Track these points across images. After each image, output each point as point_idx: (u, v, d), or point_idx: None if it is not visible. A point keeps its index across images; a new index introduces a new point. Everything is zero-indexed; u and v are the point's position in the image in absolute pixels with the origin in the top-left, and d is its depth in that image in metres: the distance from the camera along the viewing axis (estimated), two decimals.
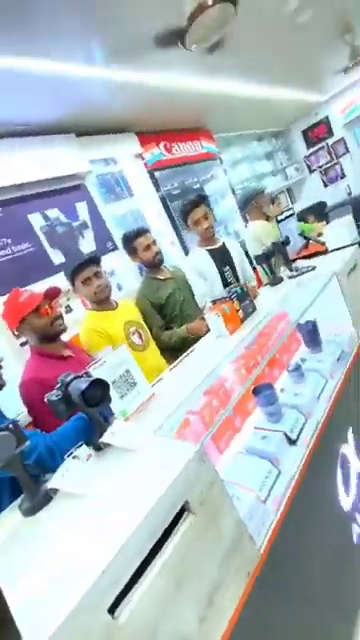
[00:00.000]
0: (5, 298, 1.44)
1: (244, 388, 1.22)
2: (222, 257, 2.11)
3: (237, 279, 2.15)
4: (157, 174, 2.89)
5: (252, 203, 2.74)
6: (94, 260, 1.76)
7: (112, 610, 0.58)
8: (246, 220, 4.01)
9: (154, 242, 2.09)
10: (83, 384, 0.88)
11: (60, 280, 2.06)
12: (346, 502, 1.29)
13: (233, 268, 2.15)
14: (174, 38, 1.93)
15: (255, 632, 0.82)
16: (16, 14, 1.37)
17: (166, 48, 1.99)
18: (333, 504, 1.23)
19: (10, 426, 0.82)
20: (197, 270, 2.08)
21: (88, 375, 0.97)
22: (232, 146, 4.88)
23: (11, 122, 1.92)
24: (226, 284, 2.06)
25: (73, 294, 2.14)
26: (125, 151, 2.64)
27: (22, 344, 1.91)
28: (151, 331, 1.96)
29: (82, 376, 0.95)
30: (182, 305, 2.09)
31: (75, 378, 0.94)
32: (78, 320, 1.94)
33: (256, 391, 1.28)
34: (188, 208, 2.02)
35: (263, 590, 0.84)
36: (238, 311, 1.50)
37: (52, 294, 1.45)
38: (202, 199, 2.04)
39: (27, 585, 0.61)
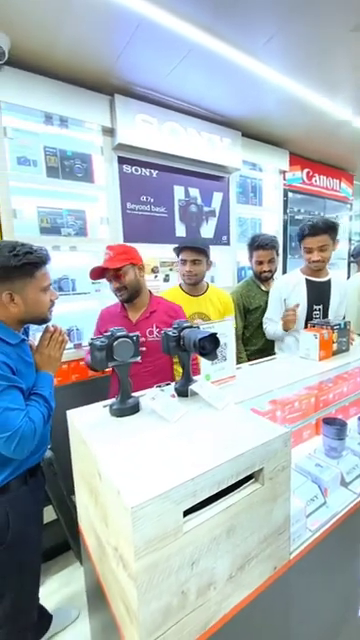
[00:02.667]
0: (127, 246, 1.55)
1: (310, 416, 1.23)
2: (320, 294, 1.86)
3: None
4: (290, 195, 2.96)
5: None
6: (198, 249, 1.81)
7: (184, 515, 0.65)
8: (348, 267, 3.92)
9: (270, 260, 2.15)
10: (201, 334, 0.97)
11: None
12: None
13: (326, 309, 1.89)
14: None
15: (257, 624, 0.84)
16: (246, 8, 1.49)
17: None
18: (356, 566, 1.18)
19: (134, 338, 0.94)
20: (282, 292, 1.88)
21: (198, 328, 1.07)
22: None
23: (194, 103, 2.12)
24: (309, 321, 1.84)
25: (175, 267, 2.30)
26: (273, 164, 2.74)
27: None
28: None
29: (197, 328, 1.05)
30: (262, 320, 2.13)
31: (190, 327, 1.04)
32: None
33: (328, 421, 1.28)
34: (306, 232, 1.75)
35: (274, 592, 0.85)
36: (334, 343, 1.50)
37: (105, 272, 1.45)
38: (327, 228, 1.72)
39: (127, 464, 0.71)
